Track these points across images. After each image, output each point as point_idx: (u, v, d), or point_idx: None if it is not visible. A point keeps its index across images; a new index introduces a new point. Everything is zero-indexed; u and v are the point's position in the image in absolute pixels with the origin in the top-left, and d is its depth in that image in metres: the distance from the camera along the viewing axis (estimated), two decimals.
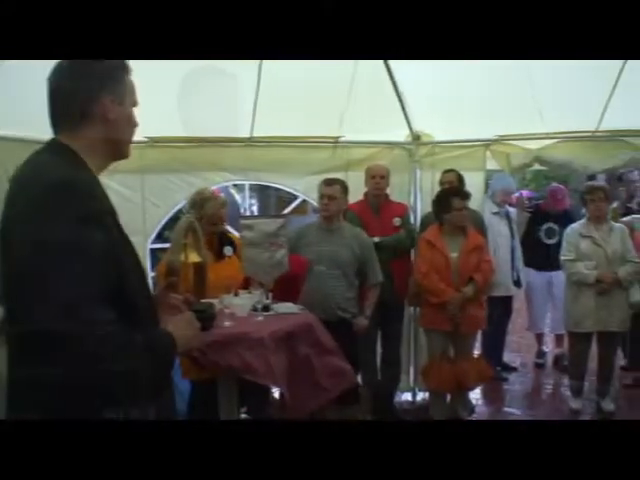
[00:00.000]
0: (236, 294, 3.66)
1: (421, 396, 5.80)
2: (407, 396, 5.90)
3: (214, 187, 5.00)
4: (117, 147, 1.73)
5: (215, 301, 3.42)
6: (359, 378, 4.69)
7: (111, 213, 1.60)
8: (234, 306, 3.48)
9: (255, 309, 3.55)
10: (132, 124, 1.76)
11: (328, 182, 4.68)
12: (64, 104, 1.63)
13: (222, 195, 4.50)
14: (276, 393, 4.38)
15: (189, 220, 3.34)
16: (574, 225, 5.48)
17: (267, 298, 3.69)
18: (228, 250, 4.16)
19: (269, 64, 4.57)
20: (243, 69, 4.46)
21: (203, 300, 3.42)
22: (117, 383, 1.43)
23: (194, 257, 3.27)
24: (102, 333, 1.39)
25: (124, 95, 1.70)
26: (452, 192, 4.98)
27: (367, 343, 5.09)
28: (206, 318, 2.95)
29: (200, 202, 4.16)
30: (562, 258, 5.40)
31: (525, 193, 10.30)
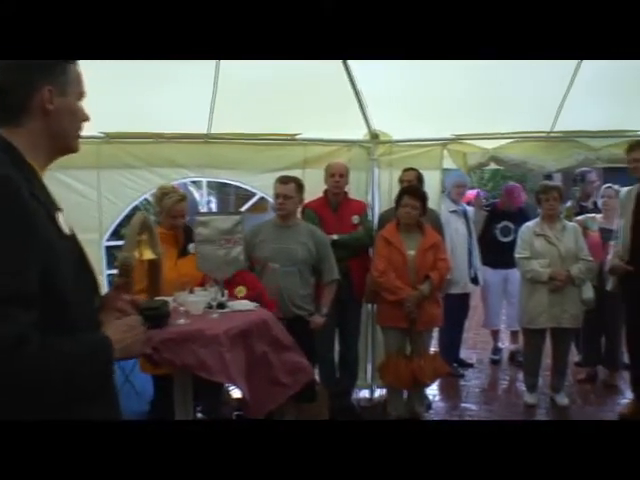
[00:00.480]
0: (191, 291, 3.63)
1: (379, 393, 5.83)
2: (365, 393, 5.93)
3: (173, 183, 4.95)
4: (61, 141, 1.65)
5: (169, 299, 3.38)
6: (316, 375, 4.68)
7: (48, 211, 1.54)
8: (188, 304, 3.44)
9: (210, 306, 3.52)
10: (78, 117, 1.68)
11: (283, 180, 4.66)
12: (3, 97, 1.57)
13: (182, 191, 4.48)
14: (238, 392, 4.35)
15: (142, 216, 3.29)
16: (529, 223, 5.57)
17: (222, 295, 3.66)
18: (192, 247, 4.13)
19: (227, 61, 4.53)
20: (201, 66, 4.41)
21: (157, 298, 3.39)
22: (39, 384, 1.39)
23: (148, 254, 3.22)
24: (19, 334, 1.34)
25: (66, 86, 1.62)
26: (403, 190, 5.06)
27: (324, 341, 5.09)
28: (160, 316, 2.93)
29: (160, 196, 4.20)
30: (516, 256, 5.49)
31: (482, 193, 10.39)
